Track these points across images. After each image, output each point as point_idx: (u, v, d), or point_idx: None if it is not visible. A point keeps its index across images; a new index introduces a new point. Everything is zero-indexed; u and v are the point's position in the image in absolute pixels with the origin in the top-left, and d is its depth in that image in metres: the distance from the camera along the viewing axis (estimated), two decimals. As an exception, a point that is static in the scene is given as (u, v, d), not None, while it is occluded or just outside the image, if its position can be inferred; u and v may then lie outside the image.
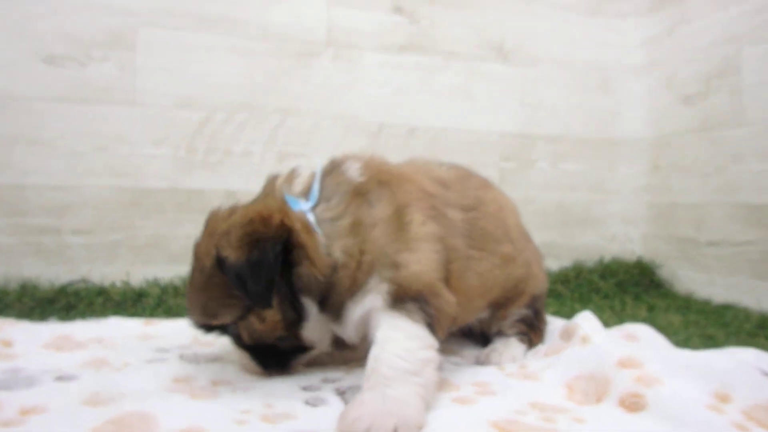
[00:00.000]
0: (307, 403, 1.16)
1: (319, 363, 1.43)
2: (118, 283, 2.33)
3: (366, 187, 1.32)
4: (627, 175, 3.15)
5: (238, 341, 1.32)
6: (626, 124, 3.16)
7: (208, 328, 1.30)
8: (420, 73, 2.84)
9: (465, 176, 1.61)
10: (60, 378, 1.28)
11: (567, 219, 3.07)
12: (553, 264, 2.92)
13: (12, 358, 1.42)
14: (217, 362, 1.43)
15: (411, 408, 1.06)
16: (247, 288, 1.16)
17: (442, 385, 1.24)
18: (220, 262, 1.20)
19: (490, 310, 1.62)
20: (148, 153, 2.46)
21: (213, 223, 1.29)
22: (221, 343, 1.61)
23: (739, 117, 2.56)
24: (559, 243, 3.04)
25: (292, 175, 1.37)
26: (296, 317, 1.26)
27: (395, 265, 1.24)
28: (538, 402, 1.17)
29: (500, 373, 1.39)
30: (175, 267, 2.44)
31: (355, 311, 1.26)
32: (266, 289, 1.16)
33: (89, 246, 2.38)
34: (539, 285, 1.70)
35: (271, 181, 1.39)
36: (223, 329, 1.30)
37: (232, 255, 1.17)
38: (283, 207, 1.26)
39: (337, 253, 1.25)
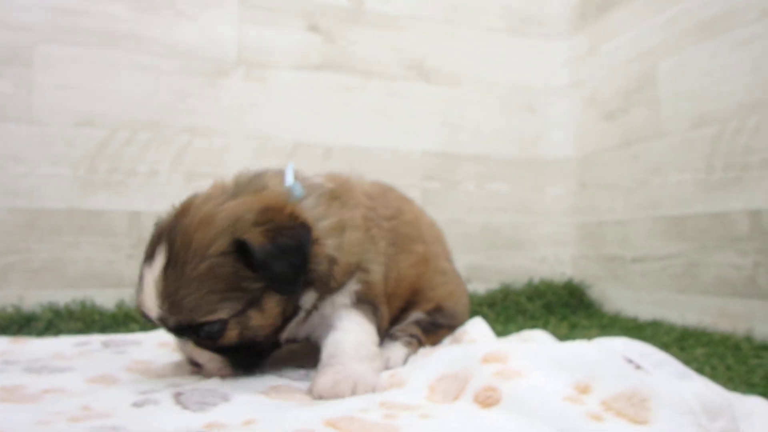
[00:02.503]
0: (134, 404, 1.05)
1: None
2: (9, 308, 2.20)
3: (338, 192, 1.40)
4: (554, 196, 3.10)
5: (211, 342, 1.22)
6: (552, 144, 3.12)
7: (186, 328, 1.20)
8: (337, 92, 2.78)
9: (386, 190, 1.69)
10: None
11: (494, 241, 3.00)
12: (480, 287, 2.84)
13: None
14: (65, 373, 1.31)
15: (369, 376, 1.20)
16: (276, 272, 1.17)
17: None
18: (239, 247, 1.17)
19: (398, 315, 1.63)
20: (45, 172, 2.35)
21: (202, 214, 1.22)
22: (88, 356, 1.51)
23: (657, 129, 2.53)
24: (486, 266, 2.96)
25: (282, 173, 1.39)
26: (292, 311, 1.28)
27: (367, 270, 1.37)
28: (388, 401, 1.07)
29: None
30: (72, 291, 2.32)
31: (327, 308, 1.34)
32: (295, 274, 1.20)
33: (-21, 270, 2.26)
34: (448, 299, 1.70)
35: (251, 179, 1.36)
36: (195, 330, 1.19)
37: (256, 240, 1.16)
38: (289, 201, 1.29)
39: (331, 250, 1.31)
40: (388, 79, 2.86)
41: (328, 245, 1.30)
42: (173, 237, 1.20)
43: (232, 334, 1.21)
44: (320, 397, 1.14)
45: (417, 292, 1.62)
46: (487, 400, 1.02)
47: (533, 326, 2.40)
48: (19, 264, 2.29)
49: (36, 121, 2.35)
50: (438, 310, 1.65)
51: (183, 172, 2.52)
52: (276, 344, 1.34)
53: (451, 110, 2.96)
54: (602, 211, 2.88)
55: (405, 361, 1.47)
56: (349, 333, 1.29)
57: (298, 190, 1.33)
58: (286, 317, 1.27)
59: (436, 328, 1.63)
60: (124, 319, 2.19)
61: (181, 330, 1.21)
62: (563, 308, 2.78)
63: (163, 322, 1.20)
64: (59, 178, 2.36)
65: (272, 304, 1.22)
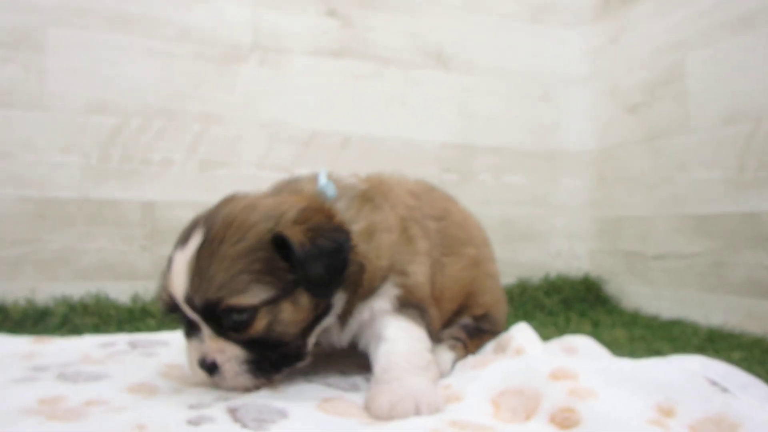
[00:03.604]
0: (189, 422, 0.99)
1: None
2: (21, 301, 2.13)
3: (371, 194, 1.36)
4: (571, 189, 3.05)
5: (236, 334, 1.15)
6: (569, 135, 3.06)
7: (216, 311, 1.13)
8: (354, 79, 2.71)
9: (430, 189, 1.66)
10: None
11: (510, 234, 2.95)
12: (496, 280, 2.79)
13: None
14: (102, 380, 1.25)
15: (429, 392, 1.12)
16: (311, 273, 1.14)
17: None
18: (278, 240, 1.15)
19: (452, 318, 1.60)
20: (56, 161, 2.27)
21: (247, 201, 1.23)
22: (118, 359, 1.45)
23: (685, 125, 2.47)
24: (503, 259, 2.88)
25: (314, 177, 1.37)
26: (323, 312, 1.24)
27: (405, 273, 1.31)
28: (459, 420, 1.01)
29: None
30: (84, 283, 2.25)
31: (364, 313, 1.29)
32: (330, 277, 1.17)
33: (-11, 261, 2.18)
34: (496, 306, 1.68)
35: (288, 183, 1.38)
36: (222, 315, 1.13)
37: (295, 237, 1.14)
38: (326, 204, 1.28)
39: (360, 256, 1.26)
40: (406, 66, 2.79)
41: (359, 250, 1.26)
42: (212, 221, 1.18)
43: (260, 325, 1.14)
44: (379, 419, 1.07)
45: (470, 296, 1.59)
46: (565, 421, 0.97)
47: (554, 323, 2.36)
48: (30, 255, 2.22)
49: (47, 108, 2.27)
50: (485, 316, 1.63)
51: (197, 161, 2.45)
52: (301, 354, 1.23)
53: (467, 99, 2.89)
54: (621, 205, 2.83)
55: (453, 366, 1.43)
56: (399, 342, 1.23)
57: (331, 192, 1.32)
58: (317, 315, 1.22)
59: (480, 333, 1.59)
60: (141, 314, 2.13)
61: (207, 312, 1.13)
62: (581, 303, 2.75)
63: (189, 303, 1.13)
64: (71, 167, 2.29)
65: (305, 300, 1.18)
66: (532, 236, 2.99)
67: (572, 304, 2.73)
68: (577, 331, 2.14)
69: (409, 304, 1.30)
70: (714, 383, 0.98)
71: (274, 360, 1.19)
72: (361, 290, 1.27)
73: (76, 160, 2.30)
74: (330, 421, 1.03)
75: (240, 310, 1.12)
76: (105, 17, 2.36)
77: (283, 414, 1.02)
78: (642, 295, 2.69)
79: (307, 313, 1.19)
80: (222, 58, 2.51)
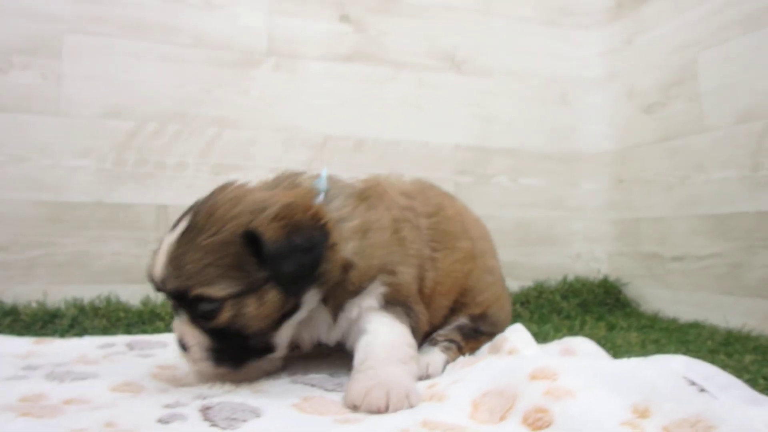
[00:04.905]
0: (159, 420, 0.99)
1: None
2: (34, 304, 2.16)
3: (367, 194, 1.38)
4: (589, 191, 3.01)
5: (204, 322, 1.20)
6: (587, 137, 3.02)
7: (178, 294, 1.19)
8: (368, 83, 2.70)
9: (427, 187, 1.67)
10: None
11: (527, 237, 2.91)
12: (514, 284, 2.76)
13: None
14: (88, 380, 1.25)
15: (403, 381, 1.14)
16: (282, 269, 1.16)
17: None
18: (250, 236, 1.16)
19: (444, 317, 1.59)
20: (71, 165, 2.31)
21: (235, 192, 1.26)
22: (113, 360, 1.46)
23: (699, 124, 2.43)
24: (520, 262, 2.88)
25: (315, 175, 1.38)
26: (292, 308, 1.24)
27: (393, 272, 1.33)
28: (432, 420, 1.00)
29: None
30: (97, 287, 2.27)
31: (353, 311, 1.30)
32: (301, 274, 1.18)
33: (4, 263, 2.21)
34: (495, 304, 1.66)
35: (288, 176, 1.39)
36: (192, 302, 1.18)
37: (269, 233, 1.16)
38: (315, 201, 1.29)
39: (349, 254, 1.28)
40: (420, 70, 2.78)
41: (346, 249, 1.28)
42: (201, 209, 1.23)
43: (224, 317, 1.18)
44: (354, 407, 1.09)
45: (466, 291, 1.58)
46: (537, 422, 0.95)
47: (569, 326, 2.32)
48: (44, 258, 2.25)
49: (63, 113, 2.30)
50: (483, 316, 1.60)
51: (211, 165, 2.46)
52: (267, 348, 1.26)
53: (483, 102, 2.87)
54: (640, 207, 2.78)
55: (443, 368, 1.42)
56: (379, 335, 1.26)
57: (323, 186, 1.33)
58: (284, 314, 1.23)
59: (477, 335, 1.57)
60: (150, 317, 2.14)
61: (178, 298, 1.20)
62: (599, 307, 2.70)
63: (163, 285, 1.20)
64: (86, 171, 2.32)
65: (272, 297, 1.19)
66: (550, 239, 2.96)
67: (590, 308, 2.68)
68: (592, 334, 2.09)
69: (394, 302, 1.32)
70: (692, 383, 0.95)
71: (237, 351, 1.23)
72: (351, 287, 1.29)
73: (92, 165, 2.33)
74: (303, 419, 1.03)
75: (207, 300, 1.17)
76: (121, 24, 2.39)
77: (256, 413, 1.02)
78: (661, 298, 2.64)
79: (273, 309, 1.20)
80: (236, 63, 2.53)
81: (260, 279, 1.17)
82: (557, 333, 2.09)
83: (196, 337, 1.21)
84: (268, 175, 1.39)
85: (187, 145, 2.44)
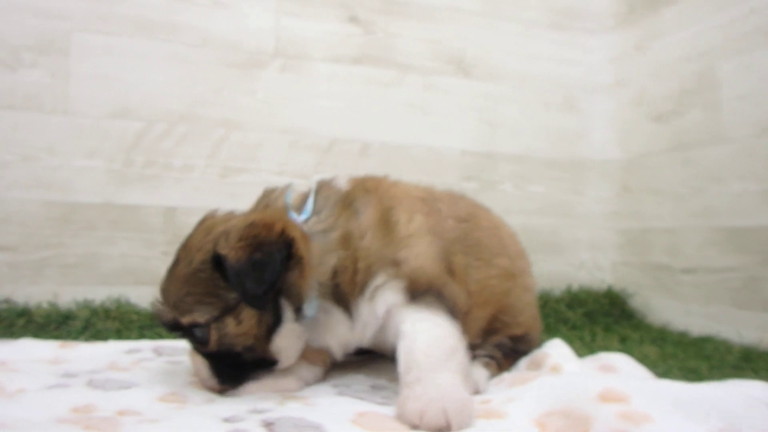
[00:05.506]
0: (226, 436, 1.00)
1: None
2: (45, 305, 2.15)
3: (351, 196, 1.36)
4: (595, 199, 3.03)
5: (201, 347, 1.27)
6: (594, 144, 3.04)
7: (174, 326, 1.26)
8: (375, 86, 2.71)
9: (457, 197, 1.66)
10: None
11: (532, 244, 2.89)
12: (515, 289, 2.77)
13: None
14: (132, 389, 1.25)
15: (455, 391, 1.10)
16: (246, 287, 1.17)
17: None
18: (216, 260, 1.20)
19: (483, 337, 1.55)
20: (80, 165, 2.29)
21: (210, 222, 1.31)
22: (144, 366, 1.46)
23: (717, 135, 2.42)
24: (521, 268, 2.90)
25: (286, 189, 1.40)
26: (273, 321, 1.25)
27: (396, 263, 1.28)
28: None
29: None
30: (107, 288, 2.27)
31: (373, 309, 1.28)
32: (266, 291, 1.18)
33: (13, 264, 2.20)
34: (534, 325, 1.66)
35: (267, 194, 1.41)
36: (187, 331, 1.26)
37: (231, 254, 1.18)
38: (284, 216, 1.30)
39: (333, 263, 1.28)
40: (427, 73, 2.79)
41: (332, 258, 1.29)
42: (184, 242, 1.30)
43: (213, 340, 1.24)
44: (414, 426, 1.06)
45: (506, 310, 1.56)
46: (622, 447, 0.95)
47: (579, 337, 2.32)
48: (53, 259, 2.24)
49: (71, 112, 2.29)
50: (524, 337, 1.59)
51: (218, 167, 2.46)
52: (264, 362, 1.29)
53: (489, 106, 2.88)
54: (648, 217, 2.77)
55: (487, 383, 1.40)
56: (417, 338, 1.18)
57: (289, 201, 1.36)
58: (266, 329, 1.25)
59: (516, 354, 1.57)
60: (162, 319, 2.14)
61: (173, 328, 1.27)
62: (605, 317, 2.69)
63: (161, 319, 1.27)
64: (94, 171, 2.31)
65: (246, 314, 1.22)
66: (554, 247, 2.97)
67: (596, 318, 2.68)
68: (604, 346, 2.09)
69: (420, 292, 1.26)
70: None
71: (237, 368, 1.28)
72: (347, 289, 1.29)
73: (100, 165, 2.31)
74: (367, 436, 1.03)
75: (197, 326, 1.23)
76: (129, 24, 2.37)
77: (318, 428, 1.02)
78: (670, 310, 2.62)
79: (251, 325, 1.23)
80: (244, 64, 2.52)
81: (233, 299, 1.21)
82: (570, 344, 2.09)
83: (199, 361, 1.29)
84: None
85: (194, 147, 2.43)
